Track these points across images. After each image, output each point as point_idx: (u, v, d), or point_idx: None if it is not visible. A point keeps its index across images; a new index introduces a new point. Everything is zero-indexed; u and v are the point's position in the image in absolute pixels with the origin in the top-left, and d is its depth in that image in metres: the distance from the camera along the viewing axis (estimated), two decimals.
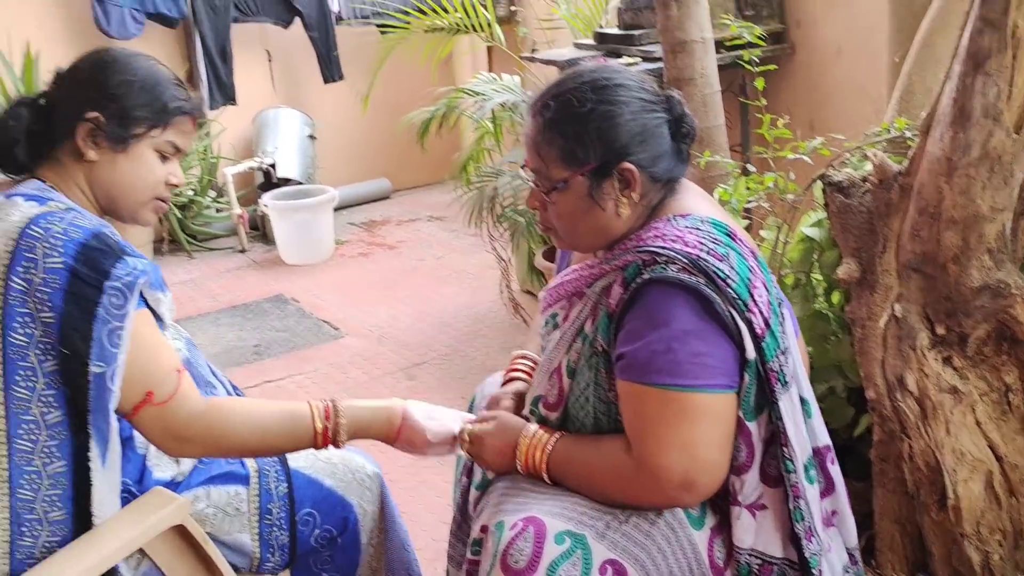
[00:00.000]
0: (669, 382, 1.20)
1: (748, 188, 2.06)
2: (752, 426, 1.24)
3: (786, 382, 1.25)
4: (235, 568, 1.46)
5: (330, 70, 5.01)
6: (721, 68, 2.60)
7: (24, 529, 1.24)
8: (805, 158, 1.98)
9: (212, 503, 1.47)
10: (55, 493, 1.25)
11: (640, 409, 1.24)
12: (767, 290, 1.27)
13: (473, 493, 1.48)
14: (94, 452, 1.25)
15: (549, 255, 3.41)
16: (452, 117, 3.55)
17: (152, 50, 4.55)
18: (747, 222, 2.17)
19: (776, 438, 1.26)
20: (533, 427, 1.38)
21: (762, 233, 2.11)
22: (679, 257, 1.22)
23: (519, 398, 1.51)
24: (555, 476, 1.34)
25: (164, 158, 1.40)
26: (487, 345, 3.45)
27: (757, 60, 2.22)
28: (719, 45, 2.62)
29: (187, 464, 1.48)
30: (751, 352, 1.22)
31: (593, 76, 1.31)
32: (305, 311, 3.90)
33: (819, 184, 1.80)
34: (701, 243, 1.24)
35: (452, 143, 4.34)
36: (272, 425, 1.36)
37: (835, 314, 1.97)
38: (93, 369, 1.21)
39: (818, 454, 1.33)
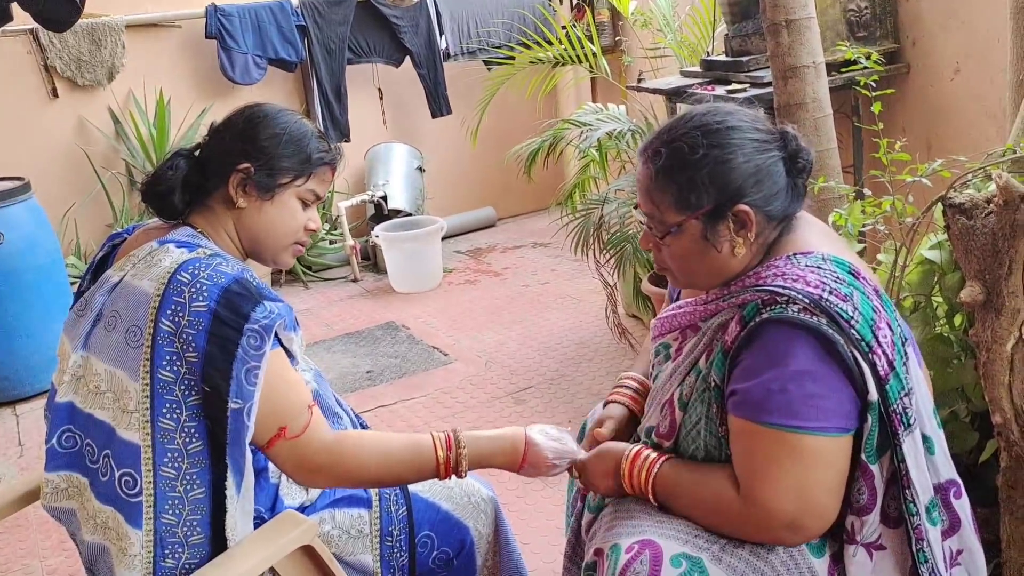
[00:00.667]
0: (783, 423, 1.19)
1: (864, 212, 2.02)
2: (875, 468, 1.22)
3: (909, 424, 1.22)
4: None
5: (438, 105, 5.16)
6: (832, 90, 2.56)
7: (167, 551, 1.32)
8: (924, 180, 1.93)
9: (337, 525, 1.53)
10: (195, 518, 1.32)
11: (751, 448, 1.23)
12: (891, 330, 1.24)
13: (586, 516, 1.49)
14: (230, 481, 1.32)
15: (655, 280, 3.41)
16: (558, 147, 3.61)
17: (272, 92, 4.86)
18: (862, 246, 2.12)
19: (897, 479, 1.23)
20: (636, 447, 1.38)
21: (879, 256, 2.06)
22: (800, 297, 1.20)
23: (620, 422, 1.53)
24: (661, 499, 1.34)
25: (305, 205, 1.49)
26: (593, 369, 3.46)
27: (874, 85, 2.18)
28: (830, 67, 2.58)
29: (315, 492, 1.55)
30: (874, 394, 1.19)
31: (704, 120, 1.30)
32: (415, 338, 4.00)
33: (939, 206, 1.76)
34: (823, 283, 1.21)
35: (555, 172, 4.39)
36: (397, 456, 1.41)
37: (957, 337, 1.91)
38: (231, 405, 1.27)
39: (941, 490, 1.29)
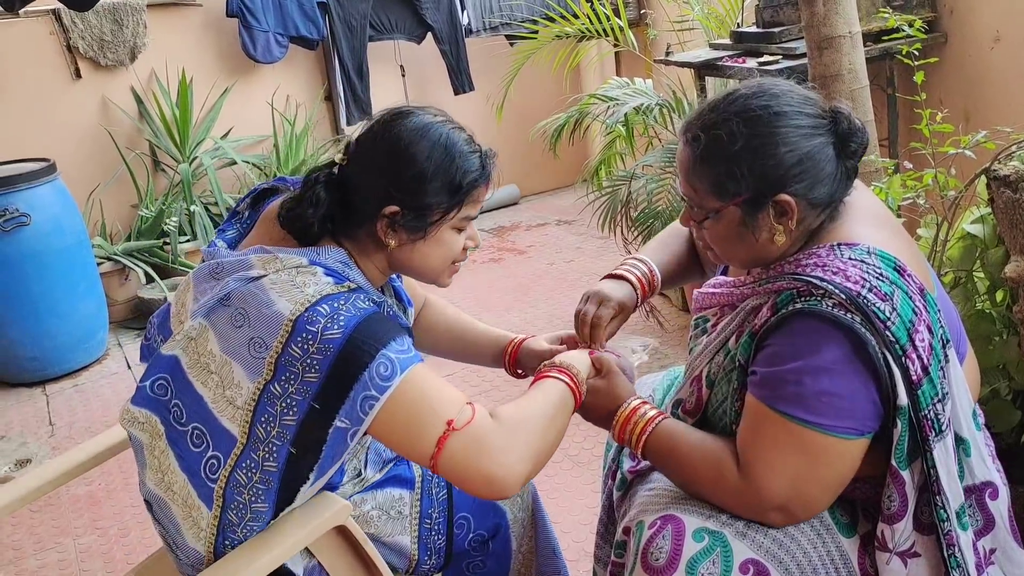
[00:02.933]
0: (792, 413, 1.16)
1: (904, 185, 1.97)
2: (905, 475, 1.19)
3: (941, 430, 1.18)
4: (393, 569, 1.51)
5: (460, 82, 5.12)
6: (867, 61, 2.50)
7: (226, 541, 1.32)
8: (967, 152, 1.87)
9: (377, 505, 1.51)
10: (255, 524, 1.31)
11: (759, 428, 1.21)
12: (931, 332, 1.19)
13: (616, 494, 1.49)
14: (304, 488, 1.29)
15: None
16: (584, 123, 3.56)
17: (293, 71, 4.85)
18: (901, 221, 2.07)
19: (928, 485, 1.20)
20: (636, 402, 1.36)
21: (919, 231, 2.01)
22: (837, 292, 1.15)
23: (622, 308, 1.54)
24: (649, 457, 1.33)
25: (460, 231, 1.39)
26: (620, 347, 3.42)
27: (916, 54, 2.12)
28: (864, 37, 2.51)
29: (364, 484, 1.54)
30: (903, 399, 1.15)
31: (747, 105, 1.23)
32: None
33: (983, 179, 1.71)
34: (864, 278, 1.16)
35: (579, 148, 4.35)
36: (551, 406, 1.32)
37: (999, 314, 1.87)
38: (337, 423, 1.22)
39: (976, 491, 1.26)
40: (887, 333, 1.14)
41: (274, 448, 1.26)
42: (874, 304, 1.14)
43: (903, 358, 1.14)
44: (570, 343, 1.61)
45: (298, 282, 1.27)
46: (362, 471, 1.55)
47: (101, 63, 4.47)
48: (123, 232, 4.60)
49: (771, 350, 1.20)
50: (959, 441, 1.23)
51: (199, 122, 4.67)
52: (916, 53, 2.12)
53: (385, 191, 1.31)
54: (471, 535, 1.58)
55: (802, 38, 2.49)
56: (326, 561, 1.42)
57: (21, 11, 3.78)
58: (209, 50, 4.74)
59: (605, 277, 1.59)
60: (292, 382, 1.22)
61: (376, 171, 1.32)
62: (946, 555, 1.20)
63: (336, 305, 1.23)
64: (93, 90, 4.51)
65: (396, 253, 1.36)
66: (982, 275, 1.90)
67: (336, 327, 1.21)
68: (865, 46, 2.50)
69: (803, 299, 1.17)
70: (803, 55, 2.57)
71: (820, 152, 1.21)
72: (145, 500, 1.44)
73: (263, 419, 1.25)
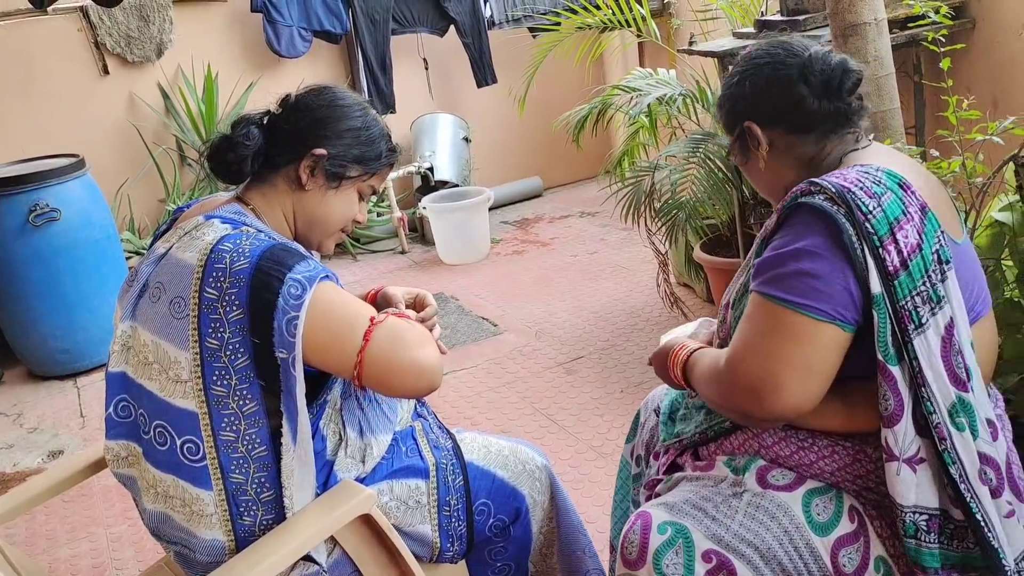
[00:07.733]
0: (769, 292, 1.24)
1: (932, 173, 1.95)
2: (895, 371, 1.21)
3: (920, 324, 1.21)
4: (417, 558, 1.52)
5: (483, 74, 5.12)
6: (893, 48, 2.47)
7: (241, 509, 1.35)
8: (996, 139, 1.85)
9: (395, 496, 1.53)
10: (262, 475, 1.35)
11: (746, 313, 1.28)
12: (923, 239, 1.23)
13: None
14: (285, 428, 1.33)
15: (707, 248, 3.35)
16: (607, 114, 3.54)
17: (317, 65, 4.87)
18: None
19: (914, 377, 1.22)
20: (680, 343, 1.48)
21: None
22: (830, 188, 1.25)
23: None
24: (689, 380, 1.43)
25: (360, 198, 1.54)
26: (644, 339, 3.43)
27: (943, 40, 2.09)
28: (891, 24, 2.48)
29: (370, 464, 1.56)
30: (876, 287, 1.19)
31: (738, 63, 1.45)
32: (464, 309, 4.00)
33: (1011, 166, 1.69)
34: (859, 180, 1.25)
35: (602, 140, 4.33)
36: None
37: None
38: (278, 355, 1.29)
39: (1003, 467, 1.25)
40: (867, 225, 1.21)
41: (245, 392, 1.32)
42: (859, 199, 1.22)
43: (879, 249, 1.20)
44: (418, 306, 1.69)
45: (197, 235, 1.37)
46: (342, 433, 1.54)
47: (128, 59, 4.52)
48: (151, 226, 4.66)
49: (771, 245, 1.29)
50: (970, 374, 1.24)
51: (225, 117, 4.72)
52: (942, 39, 2.10)
53: (320, 135, 1.45)
54: (492, 520, 1.60)
55: (827, 25, 2.46)
56: (351, 550, 1.44)
57: (50, 8, 3.84)
58: (234, 45, 4.78)
59: None
60: (223, 328, 1.29)
61: (315, 120, 1.46)
62: (940, 450, 1.21)
63: (238, 241, 1.33)
64: (121, 86, 4.57)
65: (306, 199, 1.47)
66: (1011, 263, 1.88)
67: (242, 259, 1.30)
68: (891, 33, 2.46)
69: (804, 196, 1.27)
70: (828, 43, 2.54)
71: (776, 84, 1.38)
72: (152, 533, 1.47)
73: (215, 377, 1.31)
